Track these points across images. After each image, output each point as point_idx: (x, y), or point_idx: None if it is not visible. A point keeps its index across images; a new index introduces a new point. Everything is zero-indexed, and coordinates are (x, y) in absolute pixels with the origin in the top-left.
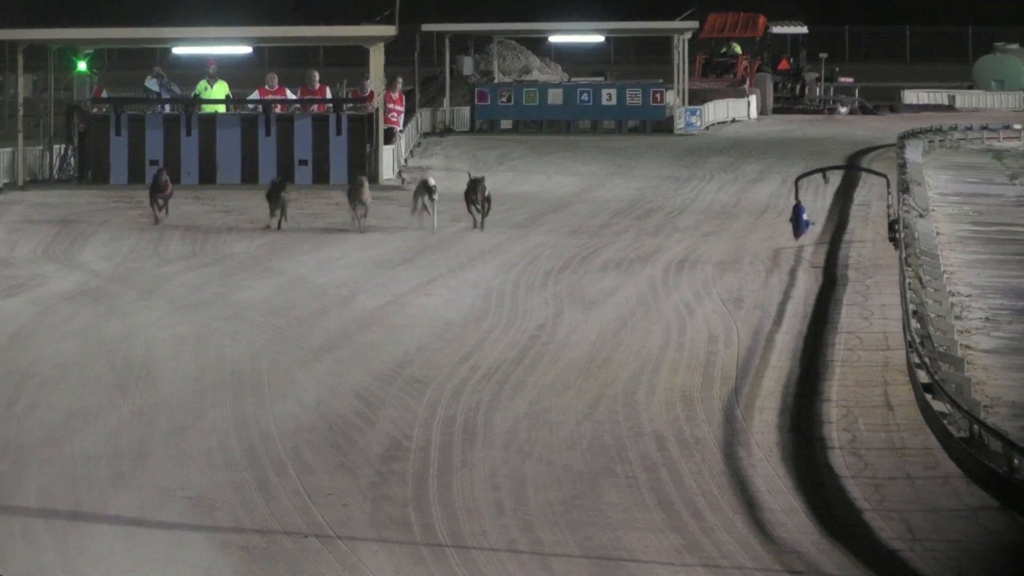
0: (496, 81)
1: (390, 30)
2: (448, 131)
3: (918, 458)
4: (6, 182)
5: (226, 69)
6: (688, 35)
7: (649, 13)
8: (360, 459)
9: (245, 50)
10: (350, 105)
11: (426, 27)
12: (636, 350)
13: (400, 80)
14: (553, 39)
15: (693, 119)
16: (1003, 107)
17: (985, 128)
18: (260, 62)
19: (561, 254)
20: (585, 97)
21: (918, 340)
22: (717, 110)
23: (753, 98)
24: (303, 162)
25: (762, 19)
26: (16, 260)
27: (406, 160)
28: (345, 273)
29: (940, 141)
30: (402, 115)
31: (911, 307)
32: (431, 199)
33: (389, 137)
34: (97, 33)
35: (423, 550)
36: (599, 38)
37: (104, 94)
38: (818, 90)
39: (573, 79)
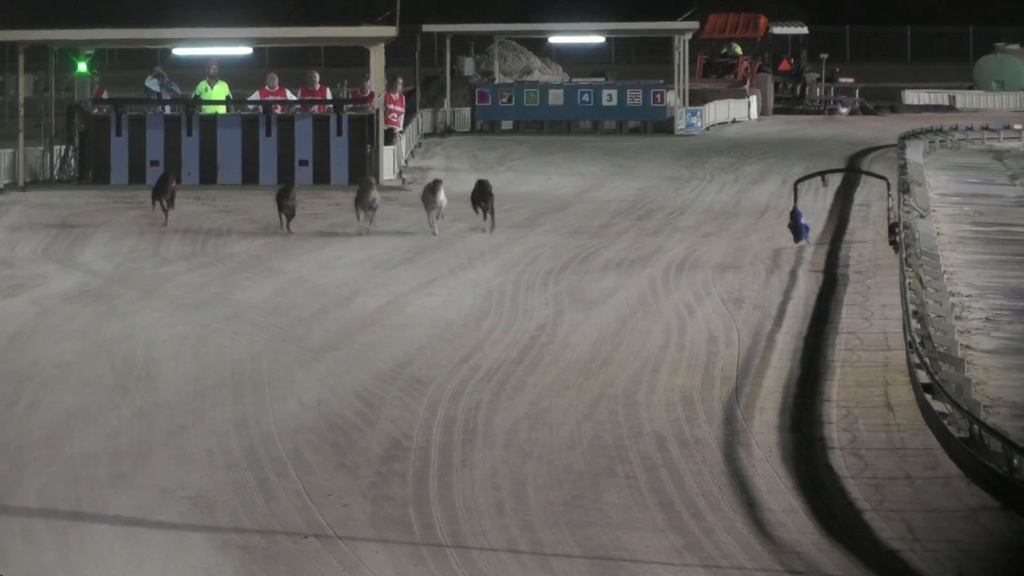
0: (497, 82)
1: (391, 31)
2: (449, 132)
3: (918, 458)
4: (7, 182)
5: (226, 70)
6: (689, 36)
7: (650, 14)
8: (360, 459)
9: (245, 51)
10: (350, 106)
11: (427, 28)
12: (636, 350)
13: (400, 81)
14: (554, 40)
15: (694, 120)
16: (1003, 107)
17: (986, 128)
18: (260, 63)
19: (561, 254)
20: (586, 98)
21: (918, 340)
22: (718, 111)
23: (754, 99)
24: (303, 163)
25: (763, 20)
26: (16, 260)
27: (407, 161)
28: (345, 273)
29: (941, 141)
30: (402, 116)
31: (911, 307)
32: (438, 205)
33: (389, 138)
34: (98, 34)
35: (423, 550)
36: (600, 39)
37: (105, 95)
38: (819, 90)
39: (574, 79)
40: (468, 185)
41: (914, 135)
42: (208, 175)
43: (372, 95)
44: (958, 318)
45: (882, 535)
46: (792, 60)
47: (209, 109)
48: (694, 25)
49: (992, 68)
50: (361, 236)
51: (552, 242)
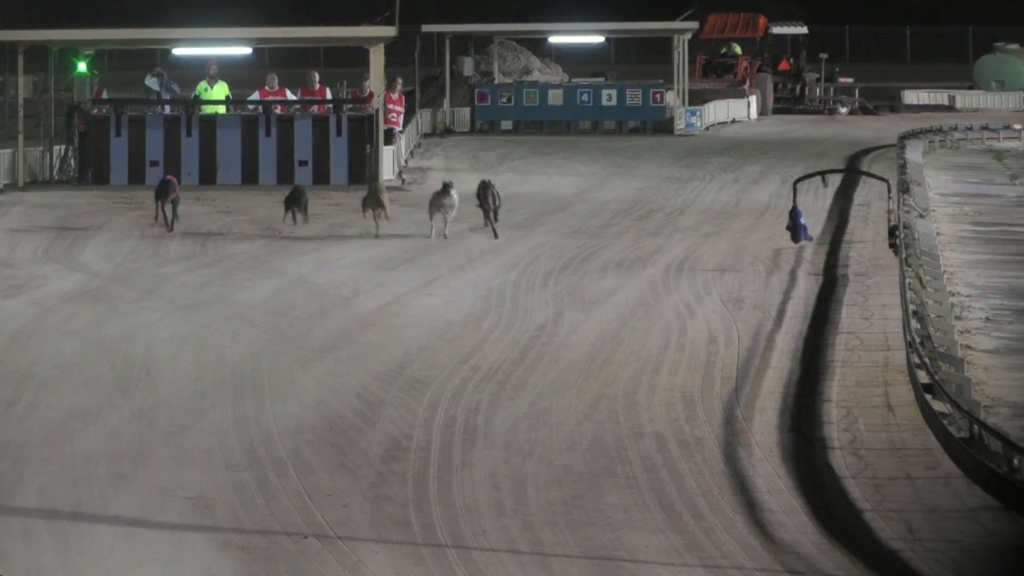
0: (496, 82)
1: (390, 31)
2: (448, 132)
3: (918, 458)
4: (7, 183)
5: (226, 70)
6: (688, 36)
7: (649, 14)
8: (360, 459)
9: (245, 51)
10: (350, 106)
11: (426, 28)
12: (636, 350)
13: (400, 81)
14: (553, 40)
15: (693, 120)
16: (1003, 107)
17: (985, 128)
18: (260, 63)
19: (561, 254)
20: (585, 98)
21: (918, 340)
22: (717, 110)
23: (753, 99)
24: (303, 163)
25: (762, 19)
26: (16, 261)
27: (406, 161)
28: (345, 273)
29: (940, 141)
30: (402, 116)
31: (911, 307)
32: (448, 208)
33: (389, 138)
34: (97, 34)
35: (423, 550)
36: (599, 39)
37: (104, 95)
38: (818, 90)
39: (573, 80)
40: (468, 185)
41: (914, 135)
42: (208, 175)
43: (372, 95)
44: (958, 318)
45: (882, 535)
46: (792, 60)
47: (209, 109)
48: (694, 25)
49: (992, 68)
50: (361, 235)
51: (552, 242)
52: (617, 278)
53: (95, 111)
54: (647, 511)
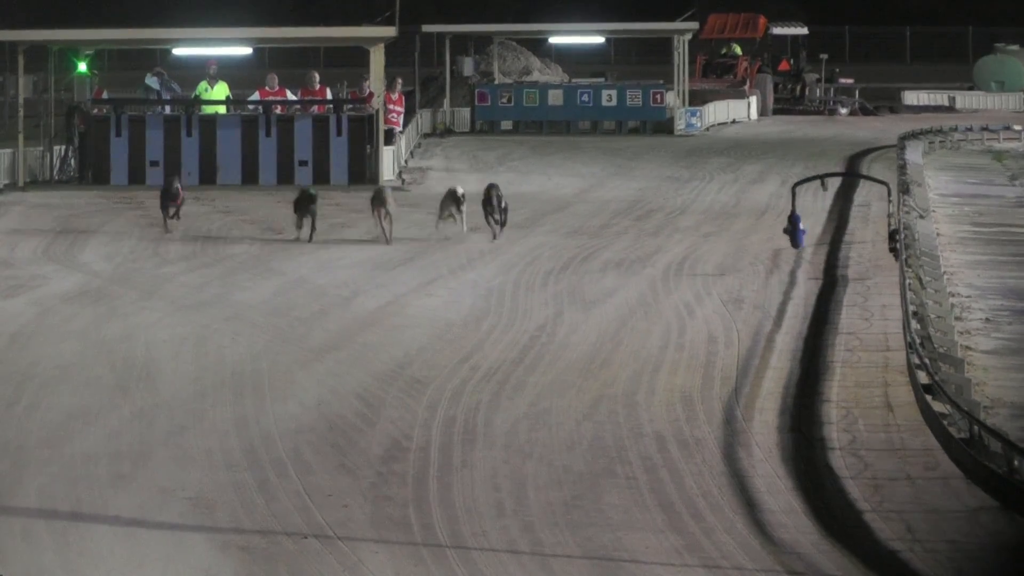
0: (496, 82)
1: (390, 31)
2: (448, 132)
3: (918, 459)
4: (6, 183)
5: (226, 70)
6: (688, 36)
7: (649, 14)
8: (360, 460)
9: (245, 51)
10: (350, 106)
11: (426, 28)
12: (636, 350)
13: (400, 81)
14: (553, 40)
15: (693, 120)
16: (1003, 108)
17: (985, 129)
18: (260, 63)
19: (561, 254)
20: (585, 98)
21: (918, 341)
22: (717, 111)
23: (753, 99)
24: (303, 163)
25: (762, 20)
26: (16, 261)
27: (406, 161)
28: (345, 273)
29: (940, 142)
30: (402, 116)
31: (911, 308)
32: (459, 209)
33: (389, 138)
34: (97, 34)
35: (423, 551)
36: (599, 39)
37: (104, 95)
38: (818, 91)
39: (573, 80)
40: (468, 185)
41: (914, 135)
42: (208, 175)
43: (371, 95)
44: (958, 319)
45: (882, 535)
46: (792, 60)
47: (209, 109)
48: (694, 25)
49: (992, 68)
50: (361, 236)
51: (552, 242)
52: (617, 278)
53: (95, 111)
54: (647, 511)
